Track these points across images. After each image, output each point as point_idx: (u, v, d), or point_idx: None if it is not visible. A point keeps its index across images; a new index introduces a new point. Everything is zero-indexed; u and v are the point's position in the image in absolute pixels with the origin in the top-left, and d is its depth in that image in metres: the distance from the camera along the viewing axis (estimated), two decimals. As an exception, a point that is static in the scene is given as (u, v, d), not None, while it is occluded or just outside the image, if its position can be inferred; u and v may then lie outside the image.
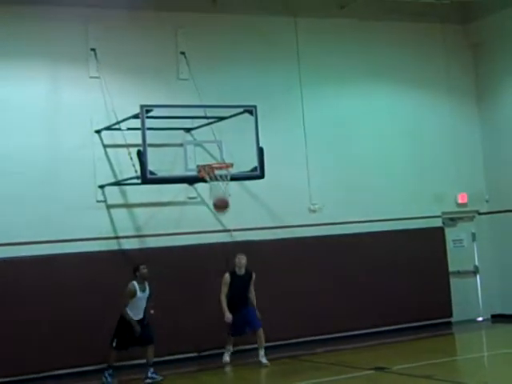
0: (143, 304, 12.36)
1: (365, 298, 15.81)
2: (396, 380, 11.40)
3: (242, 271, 13.31)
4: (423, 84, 17.14)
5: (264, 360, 13.08)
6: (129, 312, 12.13)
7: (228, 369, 13.36)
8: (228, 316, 12.97)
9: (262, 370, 12.99)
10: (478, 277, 17.54)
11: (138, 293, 12.21)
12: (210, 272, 13.87)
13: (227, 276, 13.18)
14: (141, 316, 12.30)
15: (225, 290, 13.10)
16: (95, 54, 13.90)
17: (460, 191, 17.28)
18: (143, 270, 12.29)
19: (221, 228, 14.62)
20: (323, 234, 15.55)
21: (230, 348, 13.51)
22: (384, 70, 16.62)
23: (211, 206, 13.23)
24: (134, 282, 12.25)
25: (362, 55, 16.43)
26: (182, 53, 14.64)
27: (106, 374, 12.31)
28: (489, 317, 17.36)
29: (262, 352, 13.15)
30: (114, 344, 12.21)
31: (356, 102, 16.43)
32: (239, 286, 13.23)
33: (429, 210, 16.77)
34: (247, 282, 13.34)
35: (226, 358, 13.43)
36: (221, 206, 12.70)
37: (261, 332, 13.14)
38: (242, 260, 13.27)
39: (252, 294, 13.40)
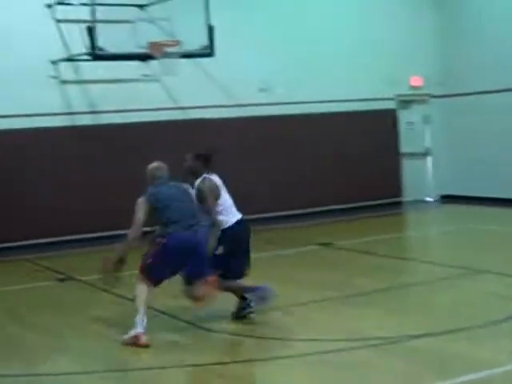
0: None
1: (315, 178, 16.19)
2: (339, 254, 11.98)
3: None
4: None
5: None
6: None
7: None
8: None
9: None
10: (429, 159, 17.98)
11: None
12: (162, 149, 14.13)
13: None
14: None
15: None
16: None
17: (414, 74, 17.48)
18: None
19: (174, 105, 14.75)
20: (273, 113, 15.71)
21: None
22: None
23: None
24: None
25: None
26: None
27: None
28: (439, 197, 17.86)
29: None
30: None
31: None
32: None
33: (382, 91, 16.89)
34: None
35: None
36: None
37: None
38: None
39: None
